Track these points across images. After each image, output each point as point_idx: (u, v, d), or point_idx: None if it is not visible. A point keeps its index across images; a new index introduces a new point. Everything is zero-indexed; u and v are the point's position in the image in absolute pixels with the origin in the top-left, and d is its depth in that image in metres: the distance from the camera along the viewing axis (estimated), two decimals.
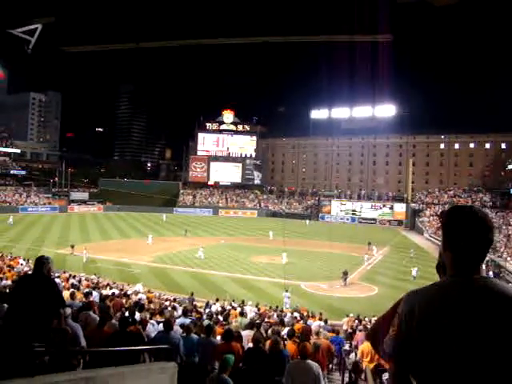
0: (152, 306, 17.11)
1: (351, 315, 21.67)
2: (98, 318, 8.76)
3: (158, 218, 79.59)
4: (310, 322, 18.25)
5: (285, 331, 13.29)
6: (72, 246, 41.76)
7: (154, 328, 10.49)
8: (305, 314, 21.78)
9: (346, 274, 34.61)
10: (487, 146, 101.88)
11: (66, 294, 15.11)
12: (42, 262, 5.88)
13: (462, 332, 1.81)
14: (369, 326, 17.08)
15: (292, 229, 70.46)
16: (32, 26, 6.95)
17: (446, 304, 1.88)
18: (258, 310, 21.70)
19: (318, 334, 10.93)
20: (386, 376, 7.18)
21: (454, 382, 1.80)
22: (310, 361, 7.36)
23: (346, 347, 15.25)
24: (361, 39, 7.35)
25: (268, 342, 8.97)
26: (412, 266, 38.77)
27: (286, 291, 27.48)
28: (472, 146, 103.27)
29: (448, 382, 1.81)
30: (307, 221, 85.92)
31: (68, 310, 8.08)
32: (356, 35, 6.95)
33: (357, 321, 20.77)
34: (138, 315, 11.94)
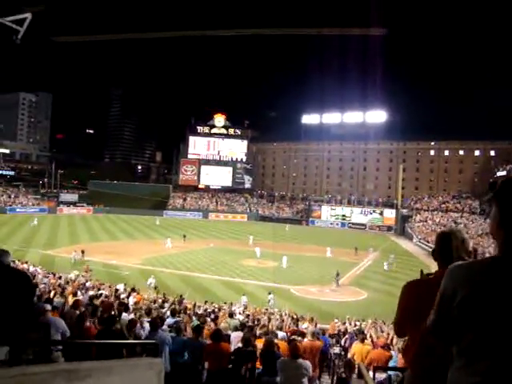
0: (141, 306, 16.89)
1: (336, 320, 21.56)
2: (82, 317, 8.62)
3: (148, 221, 79.21)
4: (300, 324, 18.17)
5: (279, 334, 13.18)
6: (82, 252, 39.09)
7: (142, 328, 10.31)
8: (294, 316, 21.67)
9: (338, 274, 35.27)
10: (476, 153, 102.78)
11: (52, 294, 14.96)
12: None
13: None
14: (354, 329, 17.02)
15: (275, 233, 69.90)
16: (21, 16, 6.79)
17: (493, 283, 1.60)
18: (248, 312, 21.61)
19: (312, 335, 10.82)
20: (381, 376, 7.06)
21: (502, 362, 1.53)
22: (300, 360, 7.25)
23: (337, 350, 15.16)
24: (353, 32, 7.27)
25: (262, 342, 8.84)
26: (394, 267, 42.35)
27: (269, 294, 27.69)
28: (461, 152, 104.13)
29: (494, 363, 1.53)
30: (287, 226, 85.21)
31: (47, 306, 7.93)
32: (348, 28, 6.86)
33: (347, 324, 20.69)
34: (124, 315, 11.77)
